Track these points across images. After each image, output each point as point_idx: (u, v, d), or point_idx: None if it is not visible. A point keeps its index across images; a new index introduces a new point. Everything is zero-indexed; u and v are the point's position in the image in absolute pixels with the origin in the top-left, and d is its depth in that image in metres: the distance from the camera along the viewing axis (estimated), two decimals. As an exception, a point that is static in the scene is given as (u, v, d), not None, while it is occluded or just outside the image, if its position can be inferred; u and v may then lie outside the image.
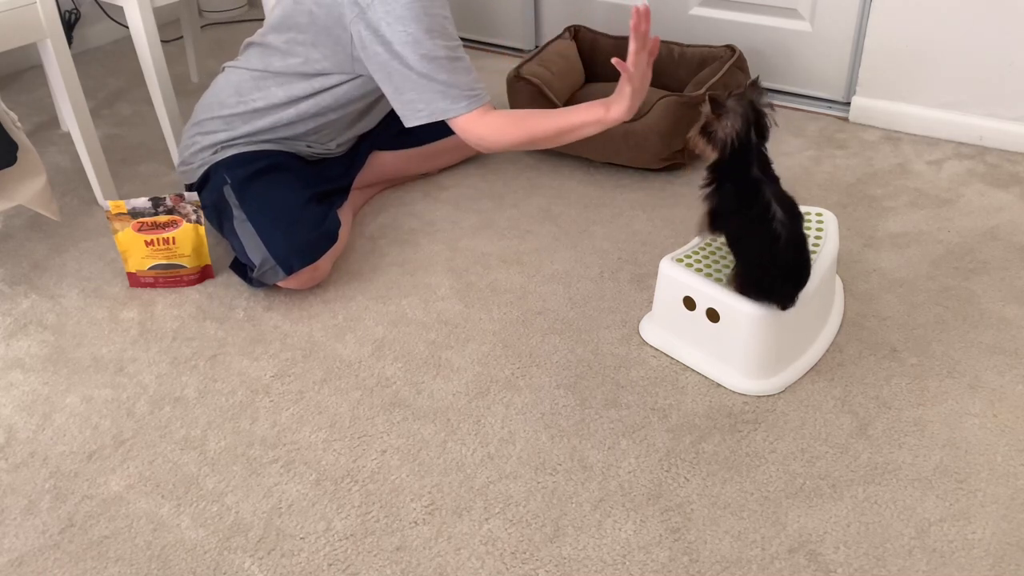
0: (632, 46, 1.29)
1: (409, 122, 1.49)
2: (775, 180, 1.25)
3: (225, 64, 1.67)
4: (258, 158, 1.61)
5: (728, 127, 1.21)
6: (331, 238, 1.57)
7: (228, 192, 1.57)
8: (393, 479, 1.20)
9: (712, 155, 1.25)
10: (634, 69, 1.31)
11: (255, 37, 1.60)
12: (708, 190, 1.28)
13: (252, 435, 1.29)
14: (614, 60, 1.31)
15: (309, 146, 1.68)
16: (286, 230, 1.51)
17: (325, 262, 1.56)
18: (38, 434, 1.31)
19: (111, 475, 1.23)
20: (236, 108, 1.61)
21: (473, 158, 2.02)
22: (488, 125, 1.45)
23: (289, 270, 1.51)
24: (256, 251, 1.52)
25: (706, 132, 1.24)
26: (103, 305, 1.59)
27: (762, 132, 1.23)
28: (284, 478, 1.21)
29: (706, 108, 1.23)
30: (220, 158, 1.61)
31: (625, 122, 1.81)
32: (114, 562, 1.10)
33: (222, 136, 1.62)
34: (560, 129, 1.43)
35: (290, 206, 1.55)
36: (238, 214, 1.55)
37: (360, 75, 1.54)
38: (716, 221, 1.29)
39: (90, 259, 1.72)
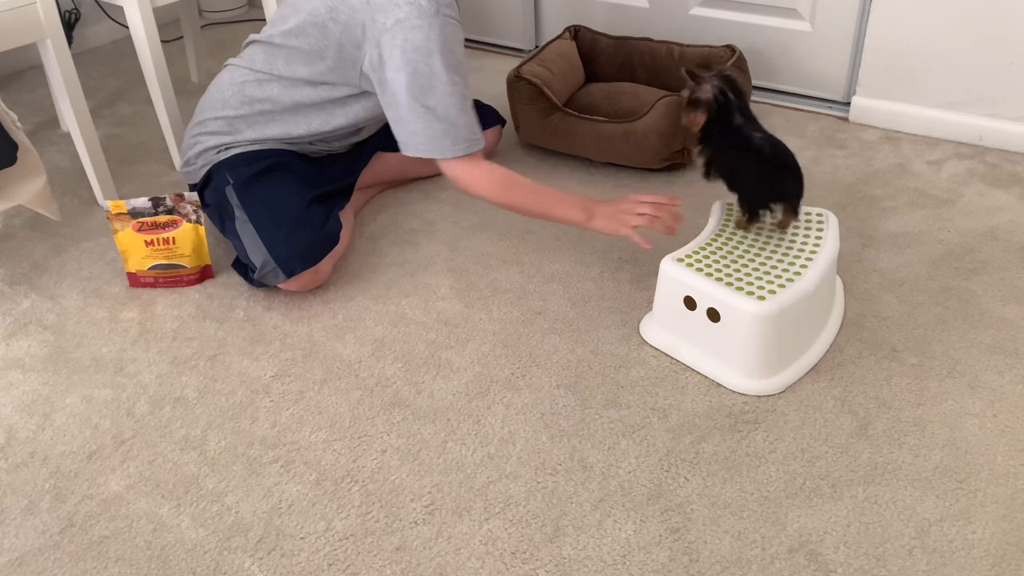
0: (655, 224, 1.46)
1: (408, 151, 1.49)
2: (756, 125, 1.40)
3: (228, 62, 1.67)
4: (261, 157, 1.60)
5: (708, 89, 1.37)
6: (332, 240, 1.57)
7: (230, 192, 1.57)
8: (393, 479, 1.20)
9: (703, 119, 1.38)
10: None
11: (260, 36, 1.59)
12: (701, 146, 1.42)
13: (252, 435, 1.29)
14: (637, 241, 1.47)
15: (312, 143, 1.68)
16: (288, 232, 1.51)
17: (326, 264, 1.56)
18: (38, 434, 1.31)
19: (111, 475, 1.23)
20: (240, 110, 1.60)
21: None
22: (478, 178, 1.48)
23: (290, 273, 1.51)
24: (257, 253, 1.52)
25: (693, 102, 1.39)
26: (103, 305, 1.59)
27: (737, 91, 1.37)
28: (284, 478, 1.21)
29: (689, 85, 1.40)
30: (223, 158, 1.61)
31: (626, 122, 1.83)
32: (114, 562, 1.10)
33: (226, 139, 1.62)
34: (542, 214, 1.50)
35: (292, 208, 1.55)
36: (240, 215, 1.55)
37: (367, 91, 1.53)
38: (711, 169, 1.43)
39: (90, 259, 1.72)
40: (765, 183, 1.39)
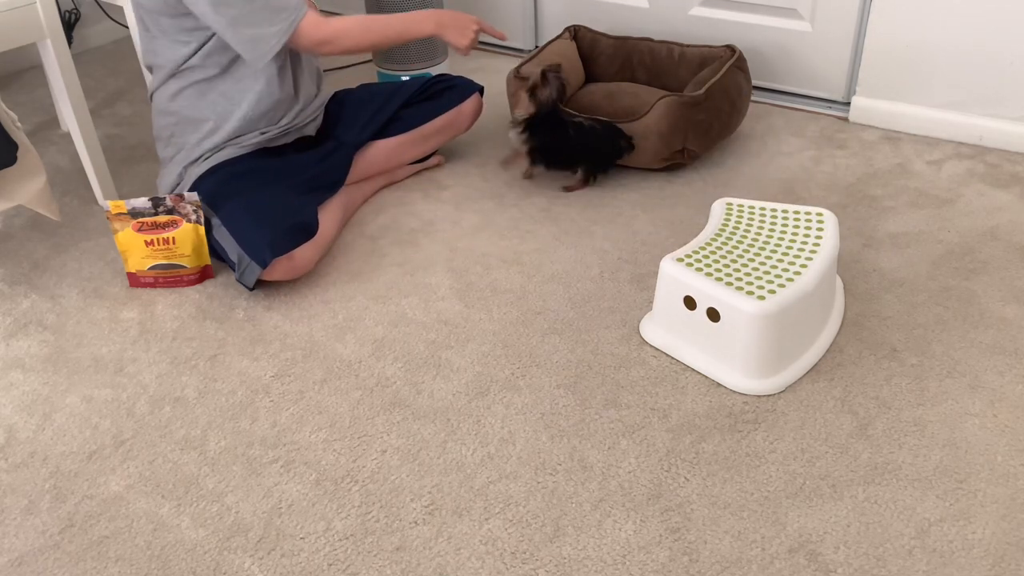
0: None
1: (259, 62, 1.56)
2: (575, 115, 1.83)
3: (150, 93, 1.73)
4: (223, 168, 1.64)
5: (547, 92, 1.74)
6: (305, 230, 1.57)
7: (204, 207, 1.60)
8: (393, 479, 1.20)
9: (531, 110, 1.75)
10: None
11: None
12: (526, 135, 1.78)
13: (252, 435, 1.29)
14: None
15: (263, 132, 1.69)
16: (256, 225, 1.53)
17: (304, 253, 1.56)
18: (38, 434, 1.31)
19: (111, 475, 1.23)
20: (168, 120, 1.65)
21: (473, 158, 2.02)
22: (335, 33, 1.58)
23: (263, 263, 1.51)
24: (233, 251, 1.55)
25: (532, 93, 1.74)
26: (103, 305, 1.59)
27: (562, 96, 1.78)
28: (284, 478, 1.21)
29: (535, 76, 1.74)
30: (188, 183, 1.65)
31: (626, 122, 1.83)
32: (114, 562, 1.10)
33: (179, 159, 1.66)
34: (401, 38, 1.68)
35: (260, 202, 1.57)
36: (215, 222, 1.59)
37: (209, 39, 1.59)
38: (536, 156, 1.81)
39: (90, 259, 1.72)
40: (606, 147, 1.80)
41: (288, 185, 1.63)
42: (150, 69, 1.66)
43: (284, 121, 1.70)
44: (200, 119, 1.64)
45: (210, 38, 1.57)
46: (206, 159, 1.65)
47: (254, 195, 1.58)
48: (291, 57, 1.68)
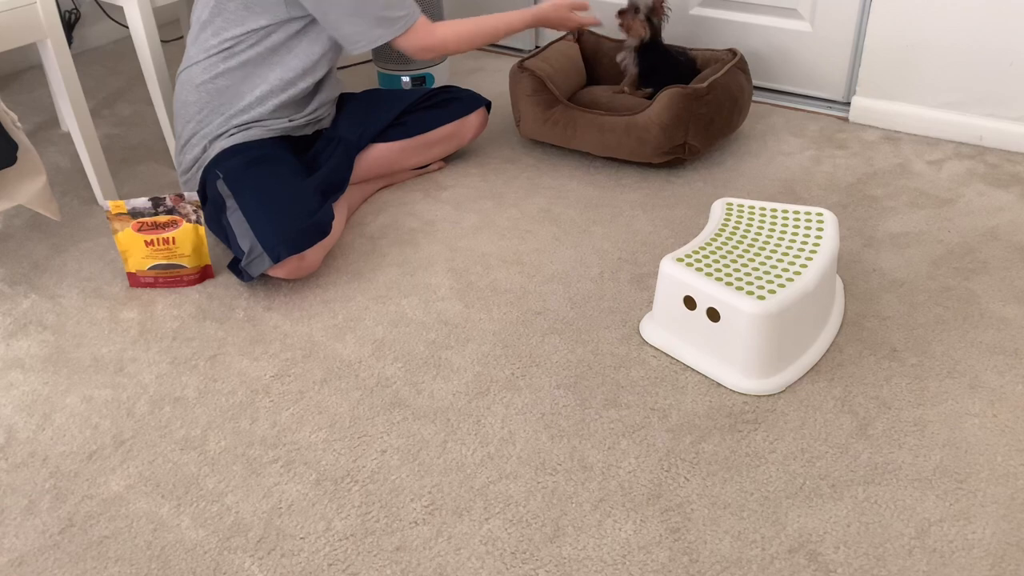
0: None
1: (352, 50, 1.65)
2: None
3: (177, 76, 1.73)
4: (248, 148, 1.64)
5: (660, 19, 1.96)
6: (322, 230, 1.57)
7: (221, 185, 1.59)
8: (393, 479, 1.20)
9: (645, 34, 1.96)
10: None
11: (189, 36, 1.68)
12: (637, 57, 2.01)
13: (252, 435, 1.29)
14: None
15: (291, 120, 1.70)
16: (276, 217, 1.52)
17: (314, 253, 1.56)
18: (38, 434, 1.31)
19: (111, 475, 1.23)
20: (200, 100, 1.66)
21: (473, 158, 2.02)
22: (434, 36, 1.69)
23: (276, 258, 1.51)
24: (245, 239, 1.54)
25: (649, 20, 1.95)
26: (103, 305, 1.59)
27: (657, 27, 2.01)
28: (284, 478, 1.21)
29: (649, 5, 1.94)
30: (210, 156, 1.65)
31: (628, 114, 1.83)
32: (114, 562, 1.10)
33: (204, 132, 1.67)
34: (500, 36, 1.79)
35: (281, 195, 1.56)
36: (231, 204, 1.57)
37: (296, 19, 1.62)
38: (643, 78, 2.03)
39: (90, 259, 1.72)
40: (684, 76, 1.97)
41: (305, 183, 1.63)
42: (203, 33, 1.67)
43: (309, 107, 1.73)
44: (236, 97, 1.65)
45: (285, 19, 1.60)
46: (231, 135, 1.65)
47: (275, 187, 1.57)
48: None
